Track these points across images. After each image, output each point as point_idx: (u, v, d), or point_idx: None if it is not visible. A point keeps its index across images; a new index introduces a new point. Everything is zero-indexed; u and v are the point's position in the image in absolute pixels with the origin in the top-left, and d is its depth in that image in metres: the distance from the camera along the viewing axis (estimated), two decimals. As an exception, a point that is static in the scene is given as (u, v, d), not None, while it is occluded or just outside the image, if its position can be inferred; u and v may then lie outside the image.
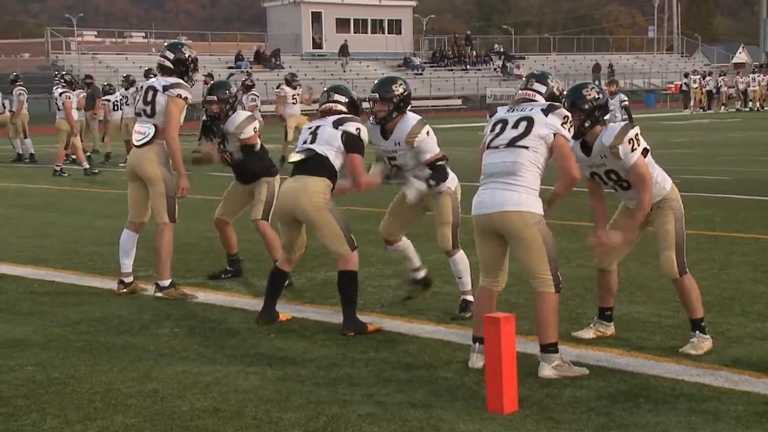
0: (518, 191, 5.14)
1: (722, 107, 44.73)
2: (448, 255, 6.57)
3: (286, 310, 6.66)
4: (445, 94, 52.77)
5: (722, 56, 71.73)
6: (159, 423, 4.55)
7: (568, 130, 5.26)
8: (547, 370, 5.12)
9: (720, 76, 47.72)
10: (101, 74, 41.25)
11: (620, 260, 5.99)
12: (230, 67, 48.66)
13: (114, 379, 5.22)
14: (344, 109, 6.51)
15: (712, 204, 12.24)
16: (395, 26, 59.51)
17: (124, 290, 7.49)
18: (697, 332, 5.63)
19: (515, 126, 5.25)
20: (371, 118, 6.45)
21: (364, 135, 6.38)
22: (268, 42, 56.88)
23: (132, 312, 6.90)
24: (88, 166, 18.45)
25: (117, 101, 21.26)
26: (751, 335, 5.95)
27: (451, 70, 57.35)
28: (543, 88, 5.47)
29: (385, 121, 6.36)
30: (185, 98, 7.29)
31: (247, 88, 21.20)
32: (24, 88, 21.92)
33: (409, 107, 6.43)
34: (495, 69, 58.60)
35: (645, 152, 5.57)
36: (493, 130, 5.37)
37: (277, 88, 23.07)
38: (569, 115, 5.29)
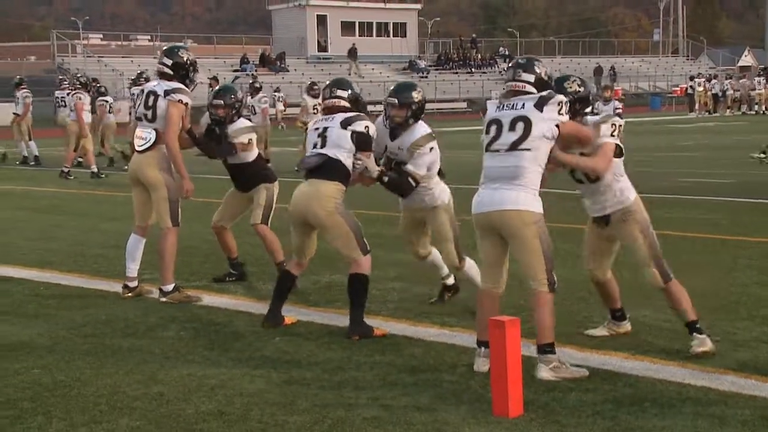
0: (518, 190, 5.15)
1: (728, 110, 44.67)
2: (457, 270, 6.64)
3: (291, 314, 6.66)
4: (450, 96, 52.79)
5: (728, 59, 71.62)
6: (164, 426, 4.55)
7: (566, 114, 5.22)
8: (544, 372, 5.11)
9: (726, 79, 47.66)
10: (107, 77, 41.37)
11: (610, 267, 5.95)
12: (235, 70, 48.73)
13: (119, 382, 5.23)
14: (347, 104, 6.44)
15: (718, 207, 12.22)
16: (400, 29, 59.54)
17: (129, 294, 7.50)
18: (695, 334, 5.61)
19: (512, 128, 5.19)
20: (385, 120, 6.49)
21: (373, 131, 6.35)
22: (274, 45, 56.92)
23: (137, 315, 6.90)
24: (96, 169, 18.47)
25: (112, 103, 21.36)
26: (757, 339, 5.93)
27: (456, 73, 57.37)
28: (531, 77, 5.31)
29: (400, 127, 6.40)
30: (186, 103, 7.28)
31: (255, 90, 21.22)
32: (29, 91, 21.99)
33: (422, 114, 6.50)
34: (500, 72, 58.54)
35: (619, 152, 5.57)
36: (488, 131, 5.32)
37: (276, 91, 23.16)
38: (563, 99, 5.24)
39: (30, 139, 22.01)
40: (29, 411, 4.78)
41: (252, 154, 7.92)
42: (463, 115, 49.39)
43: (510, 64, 5.54)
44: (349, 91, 6.50)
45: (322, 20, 56.71)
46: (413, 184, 6.38)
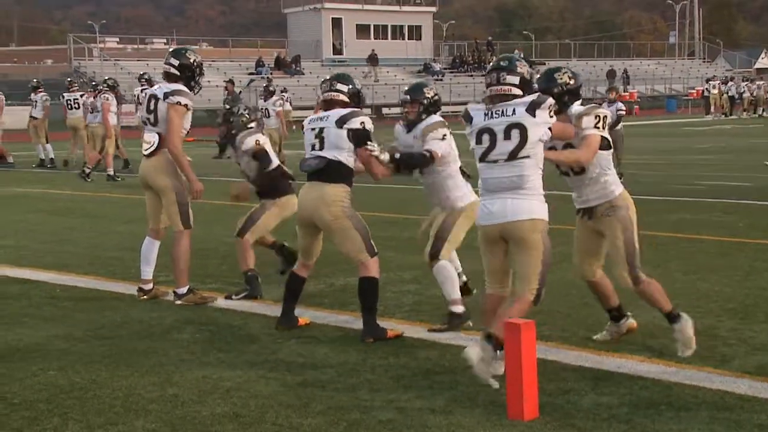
0: (528, 198, 5.12)
1: (744, 113, 44.46)
2: (429, 265, 6.52)
3: (305, 316, 6.66)
4: (464, 99, 52.62)
5: (744, 61, 71.29)
6: (180, 428, 4.56)
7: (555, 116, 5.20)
8: (473, 353, 4.90)
9: (743, 81, 47.43)
10: (123, 80, 41.36)
11: (599, 266, 5.91)
12: (251, 74, 48.85)
13: (135, 384, 5.24)
14: (346, 99, 6.34)
15: (736, 210, 12.16)
16: (415, 32, 59.54)
17: (144, 297, 7.52)
18: (674, 324, 5.60)
19: (507, 136, 5.10)
20: (401, 122, 6.57)
21: (370, 126, 6.25)
22: (289, 48, 57.03)
23: (153, 317, 6.92)
24: (112, 172, 18.55)
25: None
26: (774, 342, 5.90)
27: (471, 75, 57.28)
28: (516, 79, 5.20)
29: (414, 123, 6.46)
30: (185, 105, 7.23)
31: (270, 93, 21.27)
32: (47, 95, 22.12)
33: (438, 113, 6.54)
34: (515, 75, 58.48)
35: (606, 144, 5.55)
36: (479, 141, 5.21)
37: (283, 92, 23.21)
38: (552, 101, 5.18)
39: (47, 142, 22.14)
40: (45, 413, 4.80)
41: (267, 152, 7.86)
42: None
43: (490, 67, 5.33)
44: (350, 86, 6.41)
45: (337, 23, 56.79)
46: (429, 156, 6.30)
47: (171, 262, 7.43)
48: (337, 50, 56.44)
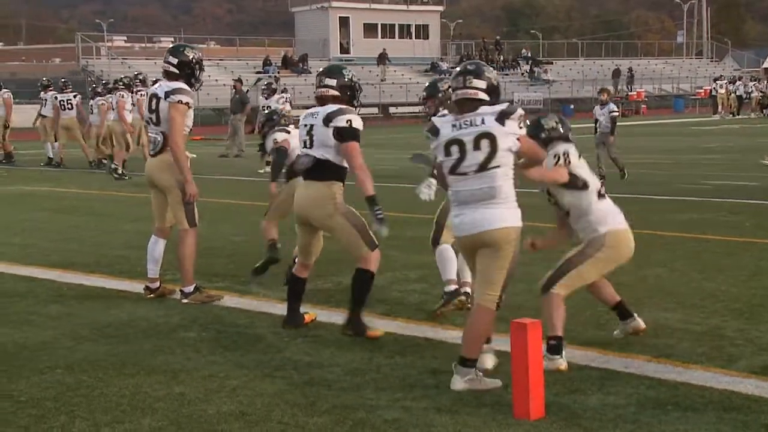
0: (500, 207, 5.00)
1: (752, 113, 44.36)
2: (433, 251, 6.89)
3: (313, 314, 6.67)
4: (471, 98, 52.62)
5: (753, 61, 71.05)
6: (186, 426, 4.56)
7: (523, 128, 5.14)
8: (459, 384, 5.01)
9: (751, 81, 47.30)
10: (130, 79, 41.51)
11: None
12: (258, 72, 48.87)
13: (141, 383, 5.25)
14: (336, 93, 6.27)
15: (742, 210, 12.14)
16: (423, 31, 59.49)
17: (151, 295, 7.54)
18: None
19: (477, 147, 4.98)
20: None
21: (357, 123, 6.14)
22: (296, 47, 57.03)
23: (159, 315, 6.93)
24: (121, 170, 18.57)
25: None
26: (781, 342, 5.88)
27: (479, 74, 57.17)
28: (483, 84, 5.09)
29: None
30: (187, 103, 7.21)
31: (272, 92, 21.28)
32: (57, 93, 22.15)
33: None
34: (522, 74, 58.46)
35: (582, 184, 5.59)
36: (448, 153, 5.07)
37: (282, 91, 23.15)
38: (522, 112, 5.10)
39: (55, 140, 22.18)
40: (52, 410, 4.81)
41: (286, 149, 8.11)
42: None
43: (456, 71, 5.22)
44: (338, 79, 6.31)
45: (344, 22, 56.78)
46: None
47: (177, 260, 7.44)
48: (344, 49, 56.42)
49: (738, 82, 46.45)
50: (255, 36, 70.78)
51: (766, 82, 46.74)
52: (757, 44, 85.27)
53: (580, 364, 5.46)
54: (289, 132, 8.19)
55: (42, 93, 22.43)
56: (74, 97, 21.68)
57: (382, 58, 53.17)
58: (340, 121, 6.09)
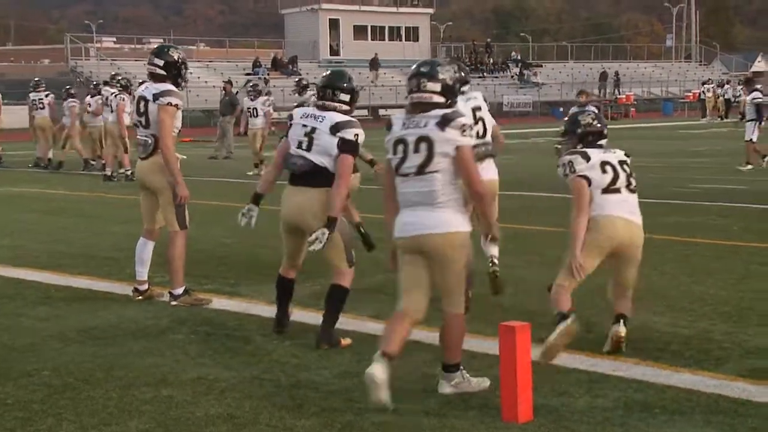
0: (440, 212, 4.90)
1: (740, 116, 44.43)
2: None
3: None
4: (462, 101, 52.69)
5: (741, 65, 71.39)
6: (174, 429, 4.55)
7: (469, 137, 4.93)
8: (446, 388, 5.02)
9: (739, 84, 47.40)
10: (120, 80, 41.40)
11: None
12: (248, 74, 48.82)
13: (129, 385, 5.24)
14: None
15: (731, 213, 12.18)
16: (413, 33, 59.54)
17: (139, 297, 7.52)
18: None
19: (416, 149, 4.90)
20: None
21: (362, 139, 6.12)
22: (286, 49, 57.03)
23: (148, 317, 6.92)
24: (110, 172, 18.50)
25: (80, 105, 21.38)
26: (768, 346, 5.90)
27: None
28: (437, 86, 4.93)
29: None
30: (176, 105, 7.19)
31: (257, 93, 21.16)
32: (51, 94, 22.12)
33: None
34: (512, 76, 58.56)
35: (587, 180, 5.78)
36: (395, 152, 5.01)
37: (266, 94, 23.03)
38: (467, 122, 4.94)
39: (54, 142, 22.14)
40: (39, 413, 4.80)
41: None
42: (474, 119, 49.26)
43: (411, 72, 5.04)
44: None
45: (334, 24, 56.78)
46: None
47: (166, 262, 7.42)
48: (334, 51, 56.42)
49: (726, 86, 46.58)
50: (246, 38, 70.75)
51: (734, 87, 46.60)
52: (746, 48, 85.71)
53: (568, 366, 5.46)
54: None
55: (32, 94, 22.37)
56: (46, 96, 21.65)
57: (374, 64, 53.17)
58: (349, 134, 6.03)
